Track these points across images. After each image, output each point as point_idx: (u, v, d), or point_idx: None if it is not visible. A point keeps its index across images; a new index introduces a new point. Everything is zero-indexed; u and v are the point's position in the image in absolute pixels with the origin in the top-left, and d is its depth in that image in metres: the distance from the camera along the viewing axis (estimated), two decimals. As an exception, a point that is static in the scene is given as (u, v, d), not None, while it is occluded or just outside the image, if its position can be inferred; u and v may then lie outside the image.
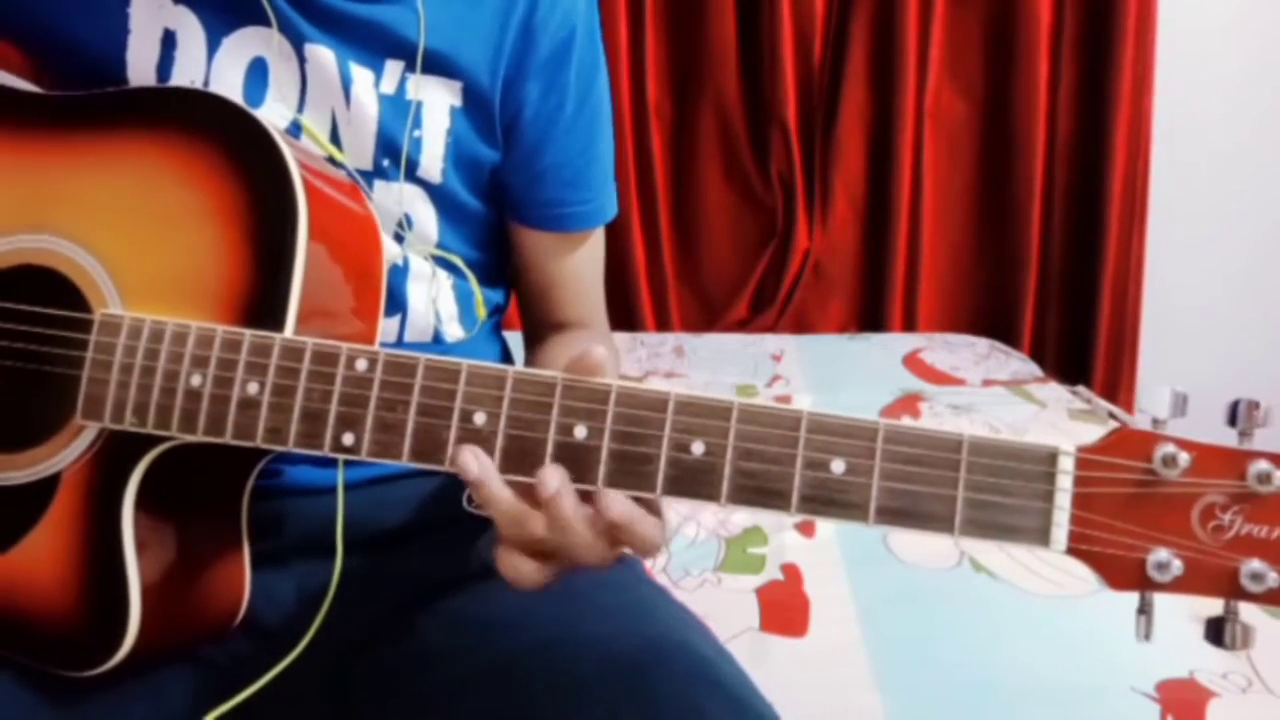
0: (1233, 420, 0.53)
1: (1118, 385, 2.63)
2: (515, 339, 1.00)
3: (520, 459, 0.58)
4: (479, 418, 0.58)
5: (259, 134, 0.67)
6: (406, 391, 0.60)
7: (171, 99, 0.72)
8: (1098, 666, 1.08)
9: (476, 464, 0.58)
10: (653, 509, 0.59)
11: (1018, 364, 2.30)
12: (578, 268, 0.96)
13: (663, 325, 2.71)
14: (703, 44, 2.63)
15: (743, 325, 2.70)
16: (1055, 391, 2.06)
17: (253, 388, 0.62)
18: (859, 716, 1.01)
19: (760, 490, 0.56)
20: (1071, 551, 0.54)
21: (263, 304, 0.65)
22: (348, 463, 0.79)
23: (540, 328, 0.98)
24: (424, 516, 0.84)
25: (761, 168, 2.68)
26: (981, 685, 1.05)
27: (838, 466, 0.55)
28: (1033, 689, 1.05)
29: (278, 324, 0.64)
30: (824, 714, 1.00)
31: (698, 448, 0.56)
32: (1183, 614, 1.14)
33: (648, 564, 0.93)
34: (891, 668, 1.08)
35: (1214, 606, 0.54)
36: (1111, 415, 1.90)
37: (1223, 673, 1.07)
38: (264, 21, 0.77)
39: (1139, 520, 0.53)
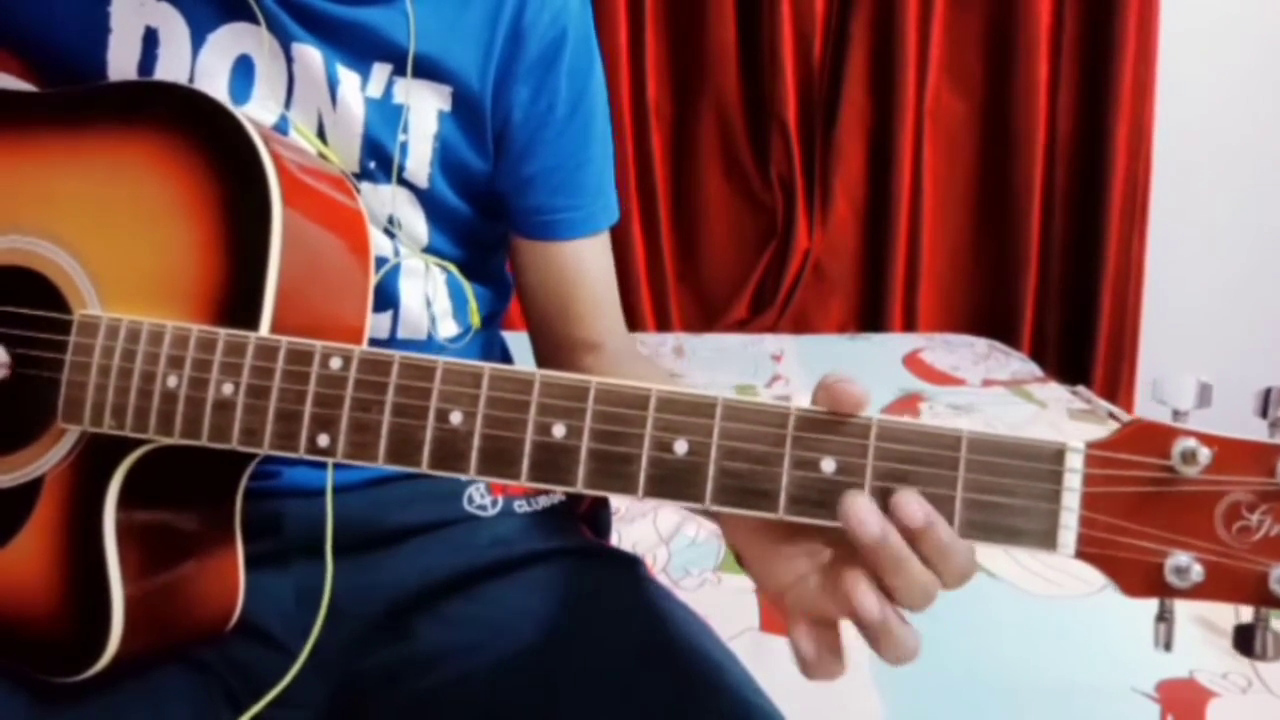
0: (1264, 410, 0.49)
1: (1117, 385, 2.62)
2: (515, 339, 0.99)
3: (497, 460, 0.56)
4: (455, 417, 0.57)
5: (232, 127, 0.66)
6: (381, 391, 0.58)
7: (145, 93, 0.71)
8: (1098, 666, 1.07)
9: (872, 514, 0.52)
10: None
11: (1017, 364, 2.30)
12: (585, 278, 0.92)
13: (663, 325, 2.70)
14: (703, 44, 2.63)
15: (743, 325, 2.69)
16: (1055, 391, 2.06)
17: (227, 388, 0.61)
18: (859, 716, 1.01)
19: (746, 491, 0.53)
20: (1081, 555, 0.50)
21: (239, 300, 0.64)
22: (346, 465, 0.78)
23: (559, 347, 0.94)
24: (423, 516, 0.83)
25: (761, 168, 2.68)
26: (981, 685, 1.05)
27: (828, 466, 0.52)
28: (1033, 689, 1.05)
29: (254, 320, 0.63)
30: (824, 714, 0.99)
31: (680, 447, 0.54)
32: (1183, 614, 1.14)
33: (649, 564, 0.92)
34: (891, 668, 1.07)
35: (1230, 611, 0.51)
36: (1111, 415, 1.89)
37: (1223, 673, 1.07)
38: (250, 18, 0.76)
39: (1155, 521, 0.49)
